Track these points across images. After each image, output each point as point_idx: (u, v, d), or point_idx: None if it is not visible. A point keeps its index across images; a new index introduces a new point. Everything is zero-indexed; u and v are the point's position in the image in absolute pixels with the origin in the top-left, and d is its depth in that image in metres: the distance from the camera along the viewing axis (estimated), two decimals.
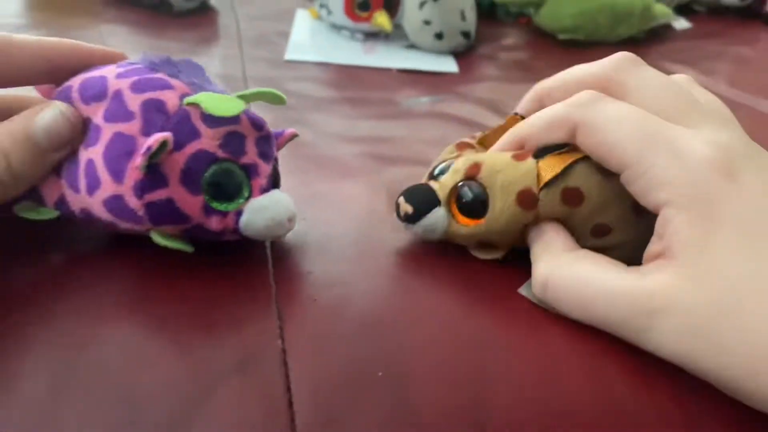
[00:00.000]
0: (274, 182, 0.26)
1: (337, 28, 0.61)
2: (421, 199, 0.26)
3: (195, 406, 0.20)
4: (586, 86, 0.25)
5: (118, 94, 0.24)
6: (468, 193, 0.26)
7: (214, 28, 0.60)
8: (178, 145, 0.23)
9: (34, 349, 0.22)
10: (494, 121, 0.45)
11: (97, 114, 0.24)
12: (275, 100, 0.26)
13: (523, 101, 0.29)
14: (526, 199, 0.25)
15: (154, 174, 0.23)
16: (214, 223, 0.24)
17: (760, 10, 0.72)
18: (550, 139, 0.25)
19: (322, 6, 0.61)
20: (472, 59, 0.60)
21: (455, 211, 0.26)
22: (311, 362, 0.22)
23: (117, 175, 0.23)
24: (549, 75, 0.30)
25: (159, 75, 0.25)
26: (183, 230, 0.24)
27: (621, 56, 0.25)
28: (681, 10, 0.73)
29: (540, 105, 0.27)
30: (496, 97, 0.51)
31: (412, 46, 0.60)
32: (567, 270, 0.23)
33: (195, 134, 0.23)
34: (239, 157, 0.24)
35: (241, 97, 0.25)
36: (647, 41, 0.66)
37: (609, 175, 0.24)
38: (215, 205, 0.24)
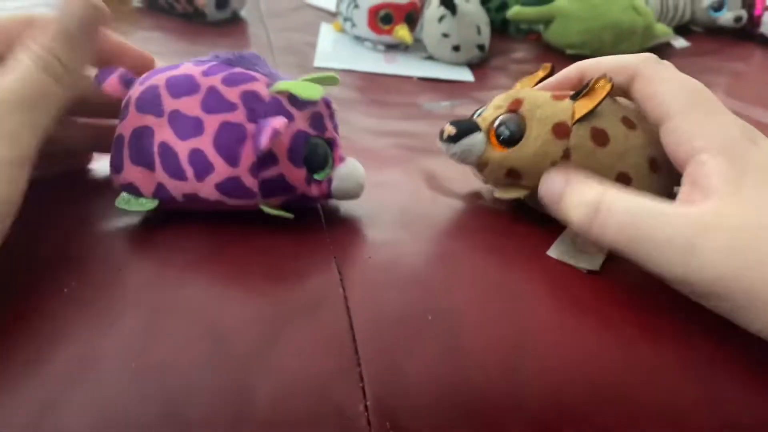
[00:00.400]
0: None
1: (360, 39, 0.65)
2: (464, 125, 0.30)
3: (271, 341, 0.24)
4: (618, 71, 0.29)
5: (212, 89, 0.27)
6: (508, 124, 0.29)
7: (245, 37, 0.65)
8: None
9: (129, 292, 0.25)
10: None
11: (191, 107, 0.27)
12: (331, 81, 0.29)
13: (562, 73, 0.32)
14: (561, 130, 0.28)
15: (267, 155, 0.26)
16: (314, 191, 0.28)
17: (754, 31, 0.77)
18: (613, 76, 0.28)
19: (346, 19, 0.65)
20: (485, 70, 0.64)
21: (493, 139, 0.30)
22: (370, 307, 0.25)
23: (231, 160, 0.26)
24: None
25: (239, 69, 0.28)
26: (286, 201, 0.28)
27: (648, 54, 0.29)
28: (680, 30, 0.78)
29: (579, 78, 0.31)
30: None
31: (430, 58, 0.64)
32: (617, 194, 0.26)
33: (290, 117, 0.27)
34: (323, 132, 0.29)
35: (308, 81, 0.28)
36: None
37: (631, 127, 0.28)
38: (315, 174, 0.28)
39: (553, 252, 0.29)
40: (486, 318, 0.26)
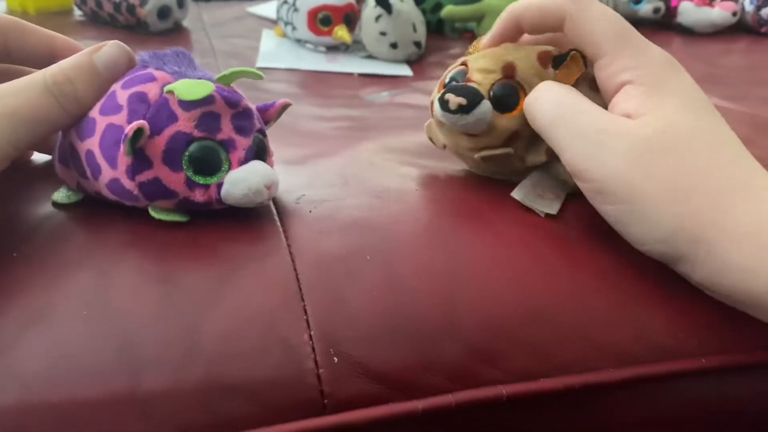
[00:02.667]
0: (260, 154, 0.29)
1: (301, 42, 0.68)
2: (471, 94, 0.30)
3: (219, 285, 0.25)
4: (548, 13, 0.30)
5: (112, 93, 0.27)
6: (506, 91, 0.30)
7: (188, 45, 0.66)
8: (158, 130, 0.26)
9: (79, 253, 0.26)
10: None
11: (94, 109, 0.27)
12: (253, 76, 0.29)
13: (500, 24, 0.33)
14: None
15: (140, 157, 0.26)
16: (198, 196, 0.27)
17: (671, 21, 0.82)
18: (542, 23, 0.31)
19: (286, 24, 0.67)
20: (423, 66, 0.67)
21: (491, 93, 0.31)
22: (312, 250, 0.27)
23: (111, 162, 0.26)
24: None
25: (147, 70, 0.28)
26: (175, 204, 0.27)
27: None
28: None
29: (515, 25, 0.32)
30: None
31: (369, 56, 0.67)
32: (561, 86, 0.29)
33: (172, 118, 0.26)
34: (215, 134, 0.27)
35: (222, 78, 0.28)
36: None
37: (596, 89, 0.30)
38: (197, 179, 0.27)
39: (516, 194, 0.31)
40: (422, 252, 0.28)
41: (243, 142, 0.27)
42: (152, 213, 0.27)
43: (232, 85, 0.29)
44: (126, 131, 0.25)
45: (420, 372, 0.24)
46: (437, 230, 0.29)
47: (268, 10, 0.78)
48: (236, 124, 0.28)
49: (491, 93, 0.31)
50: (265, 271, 0.26)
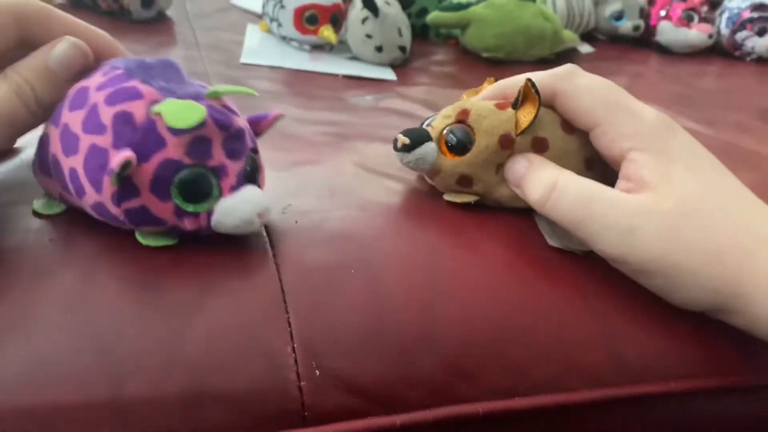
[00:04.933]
0: (252, 175, 0.27)
1: (286, 39, 0.67)
2: (416, 135, 0.32)
3: (203, 293, 0.25)
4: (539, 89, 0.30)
5: (94, 108, 0.25)
6: (456, 134, 0.31)
7: (171, 35, 0.65)
8: (145, 157, 0.24)
9: (61, 256, 0.26)
10: (430, 114, 0.52)
11: (75, 123, 0.25)
12: (245, 94, 0.27)
13: (487, 93, 0.34)
14: (506, 141, 0.31)
15: (126, 185, 0.24)
16: (187, 224, 0.26)
17: (650, 39, 0.84)
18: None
19: (272, 20, 0.67)
20: (407, 71, 0.67)
21: (444, 148, 0.32)
22: (297, 262, 0.27)
23: (96, 186, 0.25)
24: (475, 84, 0.37)
25: (132, 83, 0.26)
26: (163, 230, 0.26)
27: (561, 70, 0.31)
28: (585, 38, 0.84)
29: (503, 96, 0.33)
30: (431, 98, 0.58)
31: (354, 58, 0.67)
32: (570, 177, 0.29)
33: (160, 144, 0.25)
34: (206, 160, 0.25)
35: (213, 93, 0.27)
36: (557, 61, 0.76)
37: (569, 132, 0.31)
38: (186, 207, 0.25)
39: (553, 242, 0.31)
40: (404, 267, 0.28)
41: (234, 168, 0.26)
42: (139, 238, 0.26)
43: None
44: (111, 165, 0.23)
45: (399, 386, 0.25)
46: (420, 245, 0.30)
47: (253, 3, 0.77)
48: (228, 148, 0.26)
49: (443, 133, 0.32)
50: (250, 281, 0.26)
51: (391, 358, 0.25)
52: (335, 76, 0.61)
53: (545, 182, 0.29)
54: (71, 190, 0.26)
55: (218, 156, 0.26)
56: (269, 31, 0.70)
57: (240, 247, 0.27)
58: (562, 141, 0.31)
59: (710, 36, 0.80)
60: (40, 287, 0.24)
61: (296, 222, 0.30)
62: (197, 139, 0.25)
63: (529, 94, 0.31)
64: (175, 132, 0.25)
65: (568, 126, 0.32)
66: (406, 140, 0.31)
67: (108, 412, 0.22)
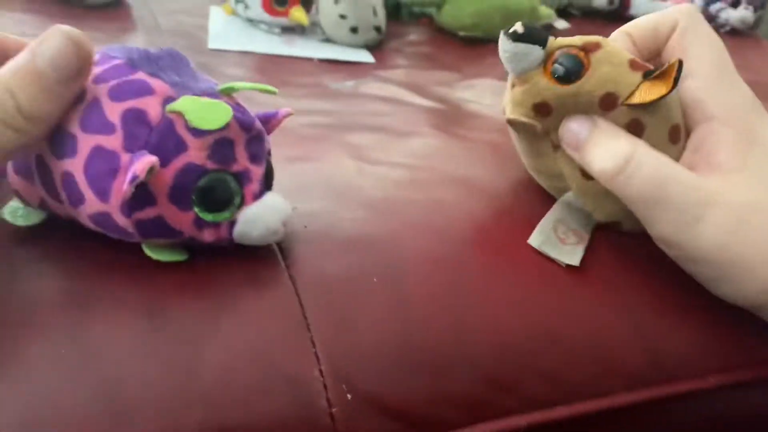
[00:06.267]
0: (268, 180, 0.25)
1: (254, 22, 0.63)
2: (534, 32, 0.27)
3: (214, 315, 0.23)
4: (661, 22, 0.29)
5: (96, 102, 0.22)
6: (567, 64, 0.27)
7: (130, 20, 0.61)
8: (164, 161, 0.22)
9: (52, 281, 0.23)
10: (415, 99, 0.50)
11: (70, 120, 0.22)
12: (265, 91, 0.25)
13: (639, 22, 0.31)
14: (609, 101, 0.27)
15: (142, 193, 0.21)
16: (207, 236, 0.23)
17: (625, 13, 0.83)
18: (653, 33, 0.29)
19: (238, 2, 0.63)
20: (383, 52, 0.64)
21: (549, 65, 0.28)
22: (313, 273, 0.25)
23: (102, 194, 0.21)
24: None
25: (138, 75, 0.23)
26: (176, 242, 0.24)
27: (686, 6, 0.29)
28: (560, 13, 0.83)
29: (630, 42, 0.30)
30: (412, 81, 0.55)
31: (327, 40, 0.64)
32: (648, 150, 0.26)
33: (181, 146, 0.22)
34: (230, 165, 0.23)
35: (228, 89, 0.24)
36: None
37: (675, 142, 0.28)
38: (207, 216, 0.23)
39: (534, 241, 0.28)
40: (429, 271, 0.26)
41: (257, 172, 0.24)
42: (147, 251, 0.23)
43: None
44: (136, 171, 0.20)
45: (437, 405, 0.23)
46: (442, 246, 0.27)
47: None
48: (251, 151, 0.24)
49: (556, 55, 0.28)
50: (265, 298, 0.23)
51: (425, 375, 0.23)
52: (310, 60, 0.58)
53: (622, 152, 0.26)
54: (62, 198, 0.22)
55: (242, 160, 0.23)
56: (234, 13, 0.65)
57: (249, 260, 0.25)
58: (663, 144, 0.28)
59: None
60: (29, 320, 0.21)
61: (305, 227, 0.27)
62: (220, 142, 0.23)
63: (671, 72, 0.26)
64: (198, 132, 0.22)
65: (676, 135, 0.28)
66: (520, 29, 0.27)
67: None
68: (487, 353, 0.24)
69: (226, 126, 0.23)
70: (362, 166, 0.33)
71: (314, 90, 0.50)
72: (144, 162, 0.20)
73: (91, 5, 0.61)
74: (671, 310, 0.27)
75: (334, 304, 0.24)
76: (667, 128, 0.28)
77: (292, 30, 0.64)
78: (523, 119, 0.28)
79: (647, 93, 0.27)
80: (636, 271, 0.28)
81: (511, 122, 0.29)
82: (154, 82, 0.22)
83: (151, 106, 0.22)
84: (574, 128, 0.28)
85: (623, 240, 0.30)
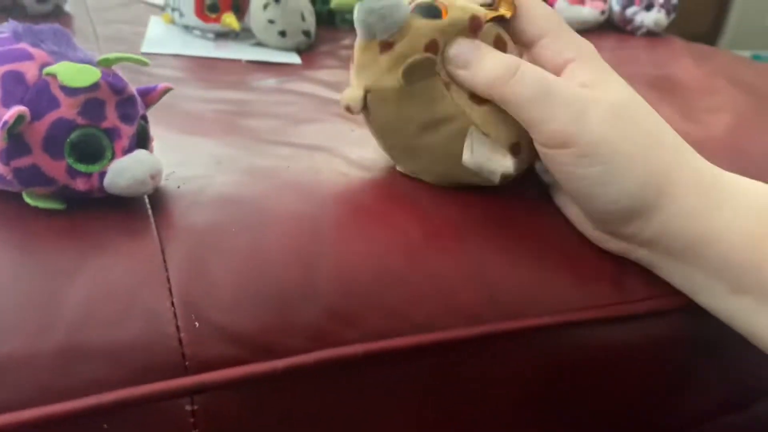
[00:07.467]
0: (142, 141, 0.29)
1: (189, 29, 0.67)
2: None
3: (81, 255, 0.26)
4: None
5: None
6: (424, 6, 0.30)
7: (71, 29, 0.64)
8: (38, 115, 0.25)
9: None
10: (330, 94, 0.53)
11: None
12: (138, 62, 0.28)
13: None
14: (475, 23, 0.30)
15: (17, 142, 0.25)
16: (79, 184, 0.26)
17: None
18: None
19: (174, 9, 0.67)
20: (313, 55, 0.68)
21: (413, 10, 0.30)
22: (178, 224, 0.28)
23: None
24: None
25: (21, 45, 0.26)
26: (53, 191, 0.27)
27: None
28: None
29: None
30: (336, 79, 0.59)
31: (259, 44, 0.67)
32: (531, 64, 0.30)
33: (54, 103, 0.25)
34: (100, 122, 0.26)
35: (105, 60, 0.27)
36: None
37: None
38: (79, 167, 0.26)
39: (470, 160, 0.31)
40: (288, 225, 0.29)
41: (127, 131, 0.27)
42: (27, 199, 0.27)
43: (114, 68, 0.28)
44: (6, 117, 0.24)
45: (279, 334, 0.26)
46: (302, 203, 0.31)
47: None
48: (121, 111, 0.27)
49: (414, 8, 0.30)
50: (130, 242, 0.27)
51: (271, 308, 0.26)
52: (238, 61, 0.62)
53: (508, 63, 0.30)
54: None
55: (112, 118, 0.27)
56: (172, 21, 0.69)
57: (121, 211, 0.28)
58: (517, 50, 0.32)
59: (603, 12, 0.84)
60: None
61: (179, 187, 0.30)
62: (91, 101, 0.26)
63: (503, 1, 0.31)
64: (70, 92, 0.25)
65: (501, 43, 0.32)
66: None
67: None
68: (332, 290, 0.27)
69: (96, 86, 0.26)
70: (251, 144, 0.37)
71: (235, 86, 0.53)
72: (14, 110, 0.24)
73: (32, 15, 0.64)
74: (512, 256, 0.31)
75: (192, 249, 0.27)
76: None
77: (225, 35, 0.68)
78: (426, 55, 0.30)
79: (501, 9, 0.31)
80: (483, 223, 0.32)
81: (410, 67, 0.30)
82: (35, 51, 0.26)
83: (29, 69, 0.26)
84: (462, 49, 0.31)
85: (470, 195, 0.33)
